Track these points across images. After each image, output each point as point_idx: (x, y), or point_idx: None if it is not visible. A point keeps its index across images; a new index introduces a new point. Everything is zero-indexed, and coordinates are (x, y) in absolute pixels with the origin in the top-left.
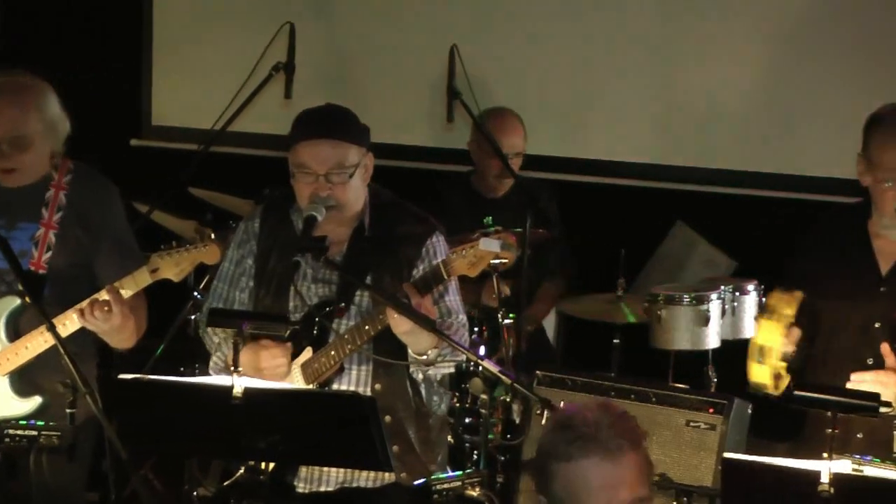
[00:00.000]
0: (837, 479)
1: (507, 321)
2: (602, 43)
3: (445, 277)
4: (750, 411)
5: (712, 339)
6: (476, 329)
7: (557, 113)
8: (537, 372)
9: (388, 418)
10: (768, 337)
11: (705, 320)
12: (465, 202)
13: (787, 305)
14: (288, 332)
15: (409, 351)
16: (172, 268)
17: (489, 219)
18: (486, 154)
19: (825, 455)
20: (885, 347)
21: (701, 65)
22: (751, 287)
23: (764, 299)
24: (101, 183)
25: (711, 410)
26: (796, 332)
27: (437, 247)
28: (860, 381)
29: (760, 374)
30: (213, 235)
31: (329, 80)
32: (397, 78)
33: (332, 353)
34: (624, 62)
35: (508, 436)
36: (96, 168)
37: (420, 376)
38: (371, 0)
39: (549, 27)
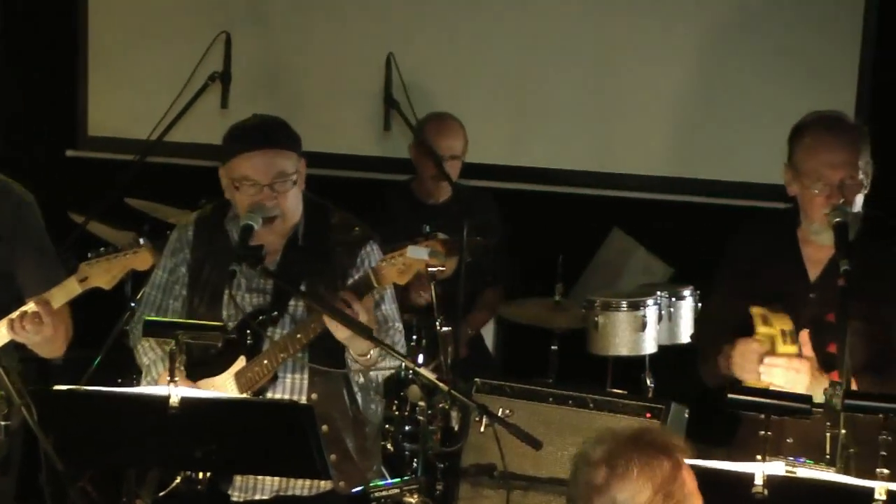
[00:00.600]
0: (771, 480)
1: (445, 328)
2: (540, 51)
3: (375, 285)
4: (686, 416)
5: (649, 344)
6: (414, 336)
7: (496, 121)
8: (476, 379)
9: (325, 427)
10: (787, 323)
11: (642, 326)
12: (405, 210)
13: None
14: (223, 341)
15: (351, 353)
16: (103, 275)
17: (428, 227)
18: (423, 156)
19: (759, 457)
20: (804, 335)
21: (637, 73)
22: (687, 293)
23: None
24: (15, 194)
25: (649, 415)
26: None
27: (372, 255)
28: (773, 365)
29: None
30: (141, 240)
31: (266, 90)
32: (334, 87)
33: (266, 361)
34: (562, 71)
35: (447, 443)
36: (25, 179)
37: (360, 379)
38: (307, 9)
39: (487, 36)
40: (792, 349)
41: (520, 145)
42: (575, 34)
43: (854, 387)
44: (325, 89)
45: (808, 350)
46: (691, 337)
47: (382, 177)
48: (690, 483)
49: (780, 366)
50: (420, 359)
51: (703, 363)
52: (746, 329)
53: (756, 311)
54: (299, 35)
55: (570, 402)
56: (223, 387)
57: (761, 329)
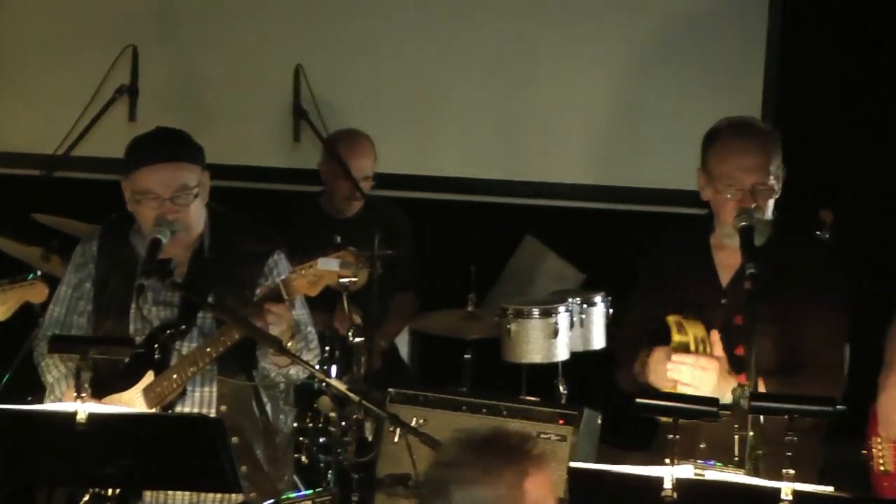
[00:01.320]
0: (680, 483)
1: (357, 339)
2: (451, 59)
3: (285, 297)
4: (600, 421)
5: (562, 351)
6: (327, 347)
7: (406, 130)
8: (389, 389)
9: (235, 439)
10: (700, 330)
11: (554, 333)
12: (314, 223)
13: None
14: (130, 356)
15: (269, 354)
16: None
17: (338, 239)
18: (336, 176)
19: (667, 461)
20: (714, 335)
21: (548, 81)
22: (598, 299)
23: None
24: None
25: (562, 422)
26: None
27: (280, 264)
28: (680, 363)
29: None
30: (36, 273)
31: (174, 102)
32: (243, 98)
33: (175, 375)
34: (472, 78)
35: (362, 454)
36: None
37: (280, 378)
38: (215, 21)
39: (397, 45)
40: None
41: (430, 154)
42: (486, 43)
43: (763, 389)
44: (234, 101)
45: (717, 350)
46: (607, 343)
47: (292, 188)
48: (536, 491)
49: (688, 363)
50: (333, 370)
51: (619, 369)
52: (664, 336)
53: (672, 319)
54: (207, 47)
55: (484, 410)
56: (131, 403)
57: (676, 337)
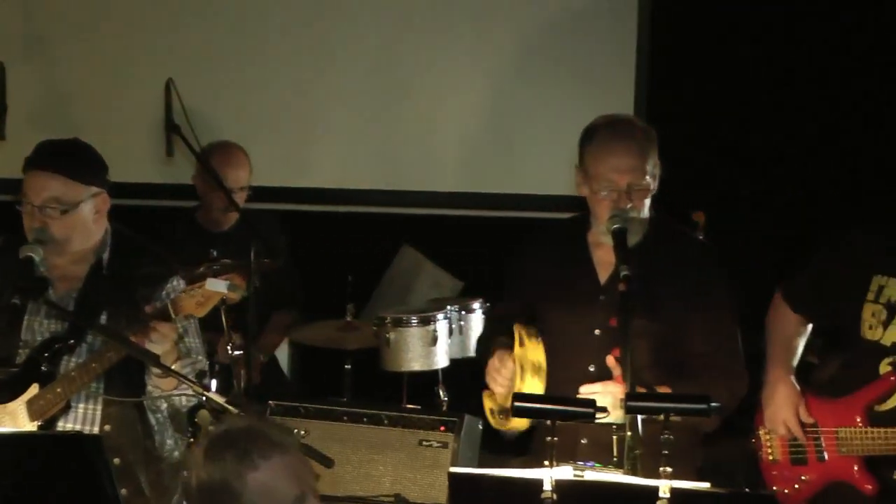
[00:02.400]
0: (560, 485)
1: (236, 352)
2: (325, 70)
3: (172, 315)
4: (481, 427)
5: (441, 358)
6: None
7: (281, 142)
8: (269, 402)
9: (117, 460)
10: (540, 355)
11: (433, 340)
12: (192, 238)
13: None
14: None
15: (153, 375)
16: None
17: (215, 252)
18: (210, 188)
19: (546, 463)
20: (610, 360)
21: (420, 89)
22: (476, 305)
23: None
24: None
25: (443, 429)
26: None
27: (177, 291)
28: (591, 394)
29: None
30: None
31: (44, 118)
32: (114, 114)
33: (59, 389)
34: (346, 89)
35: None
36: None
37: (163, 407)
38: (84, 37)
39: (270, 56)
40: (531, 385)
41: (305, 166)
42: (359, 53)
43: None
44: (105, 116)
45: (617, 373)
46: None
47: (167, 203)
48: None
49: (598, 392)
50: (213, 384)
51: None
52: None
53: (518, 328)
54: (76, 62)
55: (365, 419)
56: (14, 414)
57: (517, 349)
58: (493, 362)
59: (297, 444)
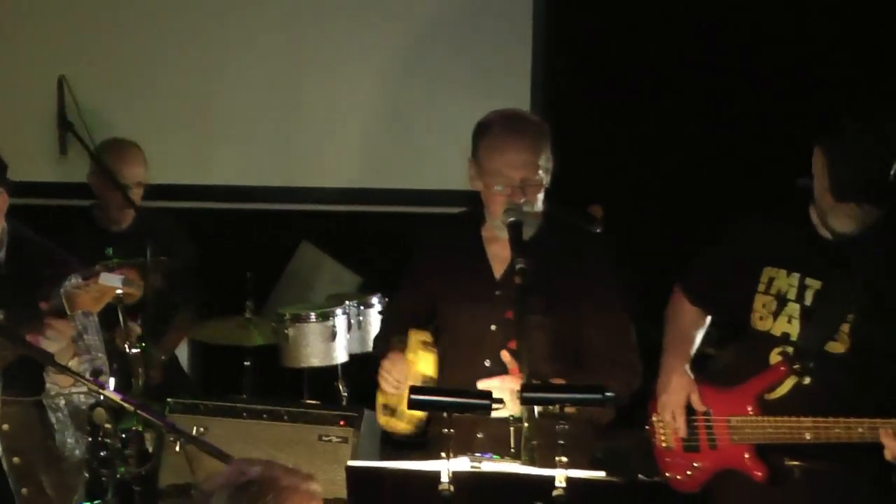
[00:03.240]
0: (457, 477)
1: (135, 350)
2: (219, 68)
3: (68, 311)
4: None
5: (340, 353)
6: (105, 359)
7: (177, 140)
8: (168, 399)
9: (16, 459)
10: (429, 366)
11: (332, 336)
12: (89, 237)
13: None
14: None
15: (50, 373)
16: None
17: (110, 250)
18: (106, 186)
19: (443, 455)
20: (504, 354)
21: (319, 87)
22: (375, 300)
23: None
24: None
25: (343, 423)
26: None
27: (72, 287)
28: (488, 388)
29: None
30: None
31: None
32: (5, 111)
33: None
34: (242, 86)
35: (143, 466)
36: None
37: (62, 403)
38: None
39: (165, 53)
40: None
41: (203, 164)
42: (254, 50)
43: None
44: None
45: (514, 368)
46: None
47: (61, 202)
48: None
49: (496, 388)
50: (112, 382)
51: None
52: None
53: (412, 335)
54: None
55: (265, 415)
56: None
57: (409, 355)
58: (385, 364)
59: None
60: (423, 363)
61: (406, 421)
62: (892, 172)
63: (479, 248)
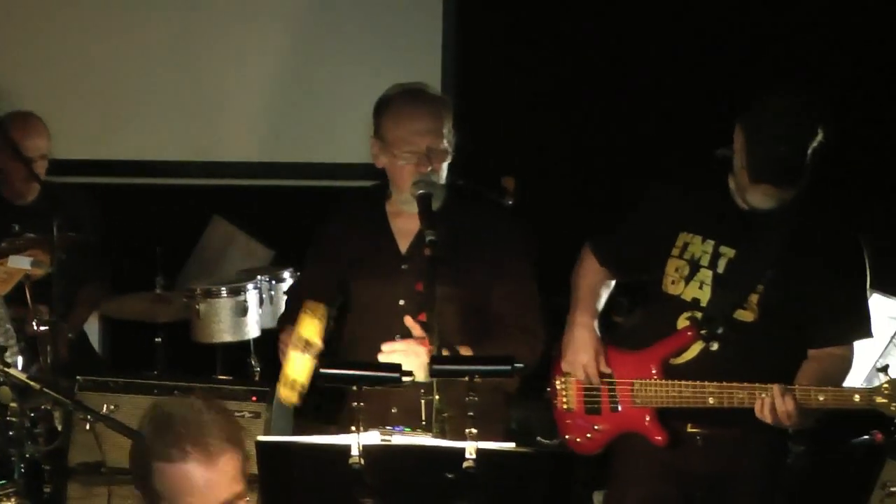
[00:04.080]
0: (367, 450)
1: (42, 328)
2: (125, 41)
3: None
4: None
5: (252, 328)
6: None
7: (84, 114)
8: (78, 377)
9: None
10: (311, 331)
11: (244, 311)
12: None
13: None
14: None
15: None
16: None
17: (16, 226)
18: (9, 159)
19: (353, 428)
20: (408, 320)
21: (225, 60)
22: (286, 274)
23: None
24: None
25: (255, 399)
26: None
27: None
28: (391, 352)
29: (303, 369)
30: None
31: None
32: None
33: None
34: (149, 59)
35: (52, 444)
36: None
37: None
38: None
39: (71, 26)
40: (294, 360)
41: (112, 139)
42: (160, 23)
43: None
44: None
45: (417, 332)
46: None
47: None
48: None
49: (399, 350)
50: (19, 361)
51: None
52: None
53: (305, 304)
54: None
55: (176, 392)
56: None
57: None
58: (283, 337)
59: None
60: (304, 327)
61: (287, 387)
62: (807, 154)
63: (383, 224)
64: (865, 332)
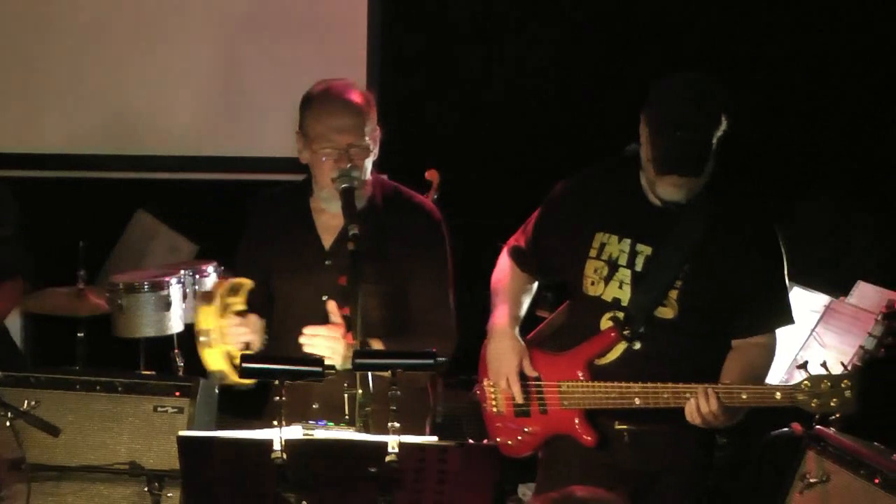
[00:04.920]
0: (289, 444)
1: None
2: (46, 33)
3: None
4: (217, 391)
5: (176, 323)
6: None
7: (5, 108)
8: None
9: None
10: (206, 321)
11: (167, 305)
12: None
13: (229, 292)
14: None
15: None
16: None
17: None
18: None
19: (275, 423)
20: (331, 305)
21: (152, 54)
22: (210, 269)
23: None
24: None
25: (178, 394)
26: (254, 320)
27: None
28: (314, 335)
29: (214, 359)
30: None
31: None
32: None
33: None
34: (70, 52)
35: None
36: None
37: None
38: None
39: None
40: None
41: (34, 131)
42: (84, 13)
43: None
44: None
45: (336, 318)
46: None
47: None
48: None
49: (321, 336)
50: None
51: None
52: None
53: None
54: None
55: (98, 387)
56: None
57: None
58: None
59: None
60: (202, 316)
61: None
62: (711, 142)
63: (308, 219)
64: (787, 319)
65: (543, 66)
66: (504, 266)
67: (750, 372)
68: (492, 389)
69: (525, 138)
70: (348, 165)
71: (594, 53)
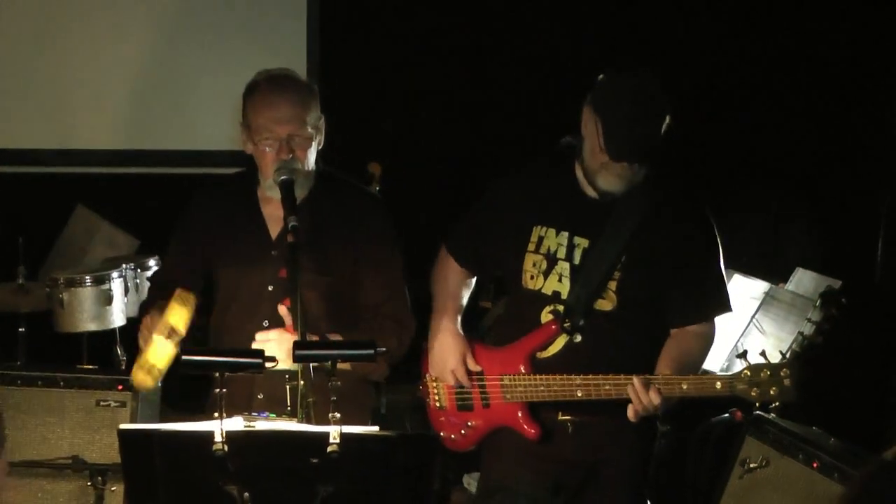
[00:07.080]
0: (230, 436)
1: None
2: None
3: None
4: (160, 384)
5: (118, 317)
6: None
7: None
8: None
9: None
10: (178, 319)
11: (108, 300)
12: None
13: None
14: None
15: None
16: None
17: None
18: None
19: (216, 415)
20: (282, 309)
21: (88, 47)
22: (152, 263)
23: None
24: None
25: (121, 388)
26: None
27: None
28: (265, 341)
29: (164, 355)
30: None
31: None
32: None
33: None
34: (6, 46)
35: None
36: None
37: None
38: None
39: None
40: (157, 346)
41: None
42: (20, 8)
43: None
44: None
45: (289, 320)
46: None
47: None
48: None
49: (273, 340)
50: None
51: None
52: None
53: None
54: None
55: (40, 382)
56: None
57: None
58: (146, 320)
59: None
60: (172, 314)
61: (144, 371)
62: (661, 132)
63: (254, 210)
64: (724, 307)
65: (487, 59)
66: (443, 262)
67: (686, 360)
68: (434, 385)
69: (468, 133)
70: (290, 156)
71: (539, 44)
